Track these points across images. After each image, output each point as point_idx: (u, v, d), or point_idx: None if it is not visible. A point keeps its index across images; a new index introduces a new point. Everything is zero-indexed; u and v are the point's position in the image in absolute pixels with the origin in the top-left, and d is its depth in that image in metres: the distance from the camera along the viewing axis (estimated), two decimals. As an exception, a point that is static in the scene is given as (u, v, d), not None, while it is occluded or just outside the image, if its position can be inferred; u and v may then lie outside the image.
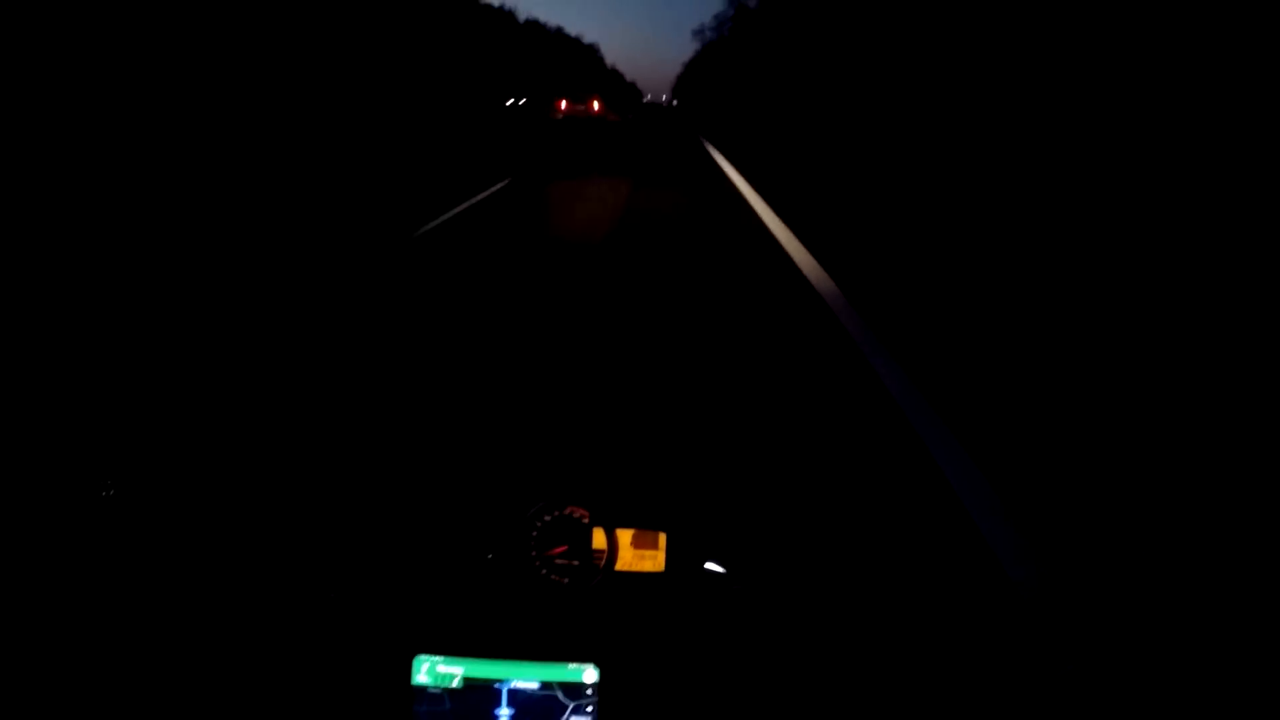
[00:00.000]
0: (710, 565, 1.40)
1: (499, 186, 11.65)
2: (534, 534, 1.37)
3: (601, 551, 1.37)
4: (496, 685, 1.22)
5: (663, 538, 1.39)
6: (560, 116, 48.74)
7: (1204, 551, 2.35)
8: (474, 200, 10.27)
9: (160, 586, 1.30)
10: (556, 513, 1.37)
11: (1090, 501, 2.76)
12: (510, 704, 1.22)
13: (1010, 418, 3.55)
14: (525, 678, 1.22)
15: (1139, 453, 3.15)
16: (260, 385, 3.92)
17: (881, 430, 3.42)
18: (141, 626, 1.26)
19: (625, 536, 1.38)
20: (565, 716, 1.22)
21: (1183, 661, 1.22)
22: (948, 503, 2.71)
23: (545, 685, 1.22)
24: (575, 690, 1.22)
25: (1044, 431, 3.38)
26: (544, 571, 1.36)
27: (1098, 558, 2.29)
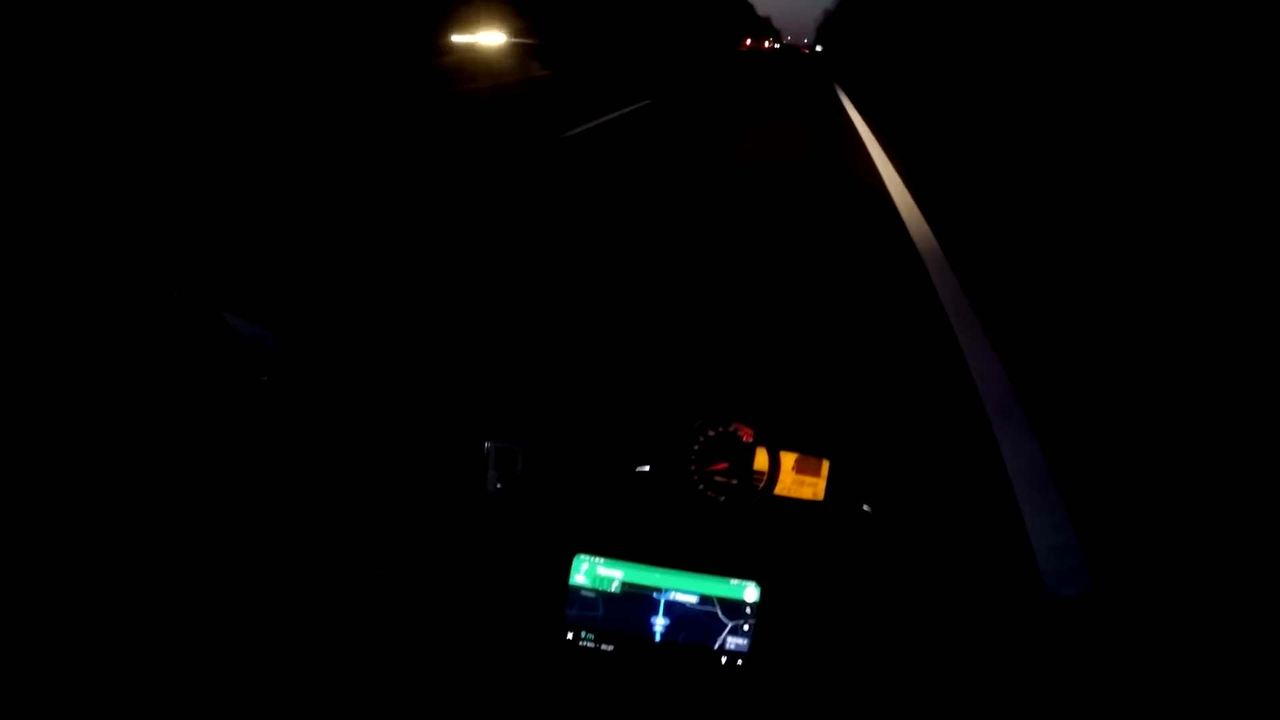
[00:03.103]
0: (868, 508, 1.34)
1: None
2: (695, 448, 1.33)
3: (762, 473, 1.33)
4: (655, 595, 1.20)
5: (825, 465, 1.33)
6: (744, 49, 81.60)
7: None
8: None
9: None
10: (720, 429, 1.33)
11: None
12: (666, 614, 1.20)
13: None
14: (685, 589, 1.19)
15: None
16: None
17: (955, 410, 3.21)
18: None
19: (788, 460, 1.33)
20: (722, 635, 1.19)
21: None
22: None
23: (704, 600, 1.19)
24: (735, 608, 1.19)
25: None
26: (701, 487, 1.33)
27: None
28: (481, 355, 2.78)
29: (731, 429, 1.33)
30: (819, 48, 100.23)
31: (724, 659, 1.20)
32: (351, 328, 3.19)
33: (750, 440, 1.32)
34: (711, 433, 1.33)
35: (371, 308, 3.56)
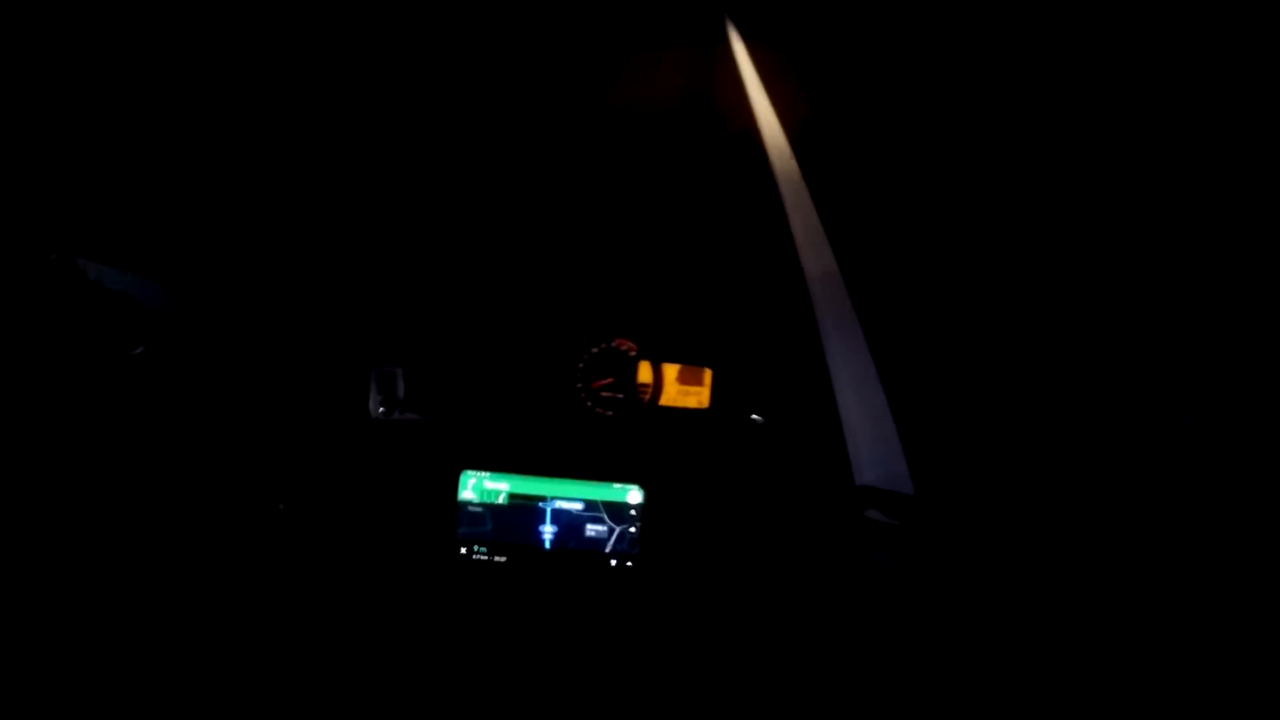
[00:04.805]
0: (756, 417, 1.39)
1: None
2: (580, 366, 1.35)
3: (647, 385, 1.36)
4: (541, 505, 1.23)
5: (709, 374, 1.37)
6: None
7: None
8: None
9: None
10: (603, 344, 1.35)
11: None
12: (554, 522, 1.23)
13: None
14: (570, 496, 1.23)
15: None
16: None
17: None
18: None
19: (671, 371, 1.37)
20: (610, 539, 1.23)
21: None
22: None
23: (590, 505, 1.23)
24: (620, 512, 1.23)
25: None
26: (589, 404, 1.36)
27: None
28: (360, 279, 2.68)
29: (614, 344, 1.35)
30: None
31: (614, 562, 1.24)
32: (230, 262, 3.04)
33: (633, 354, 1.36)
34: (595, 349, 1.35)
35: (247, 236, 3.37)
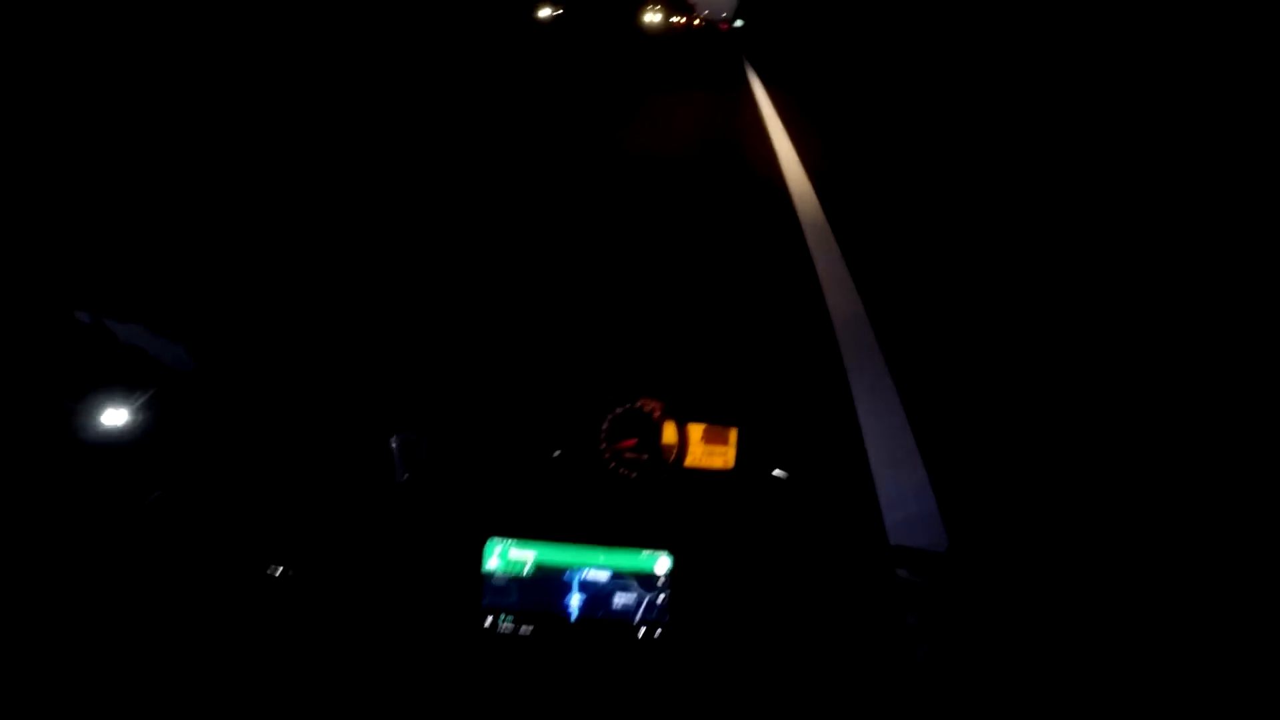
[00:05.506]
0: (779, 472, 1.37)
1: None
2: (604, 427, 1.34)
3: (671, 446, 1.34)
4: (567, 575, 1.21)
5: (734, 433, 1.35)
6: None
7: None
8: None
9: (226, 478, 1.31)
10: (628, 405, 1.34)
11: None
12: (581, 592, 1.21)
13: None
14: (597, 565, 1.21)
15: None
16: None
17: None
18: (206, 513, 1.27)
19: (696, 431, 1.35)
20: (639, 609, 1.20)
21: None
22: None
23: (617, 574, 1.21)
24: (648, 580, 1.21)
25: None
26: (613, 465, 1.34)
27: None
28: (384, 348, 2.69)
29: (638, 405, 1.34)
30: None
31: (642, 631, 1.21)
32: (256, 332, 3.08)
33: (657, 414, 1.34)
34: (619, 410, 1.34)
35: (275, 308, 3.42)
